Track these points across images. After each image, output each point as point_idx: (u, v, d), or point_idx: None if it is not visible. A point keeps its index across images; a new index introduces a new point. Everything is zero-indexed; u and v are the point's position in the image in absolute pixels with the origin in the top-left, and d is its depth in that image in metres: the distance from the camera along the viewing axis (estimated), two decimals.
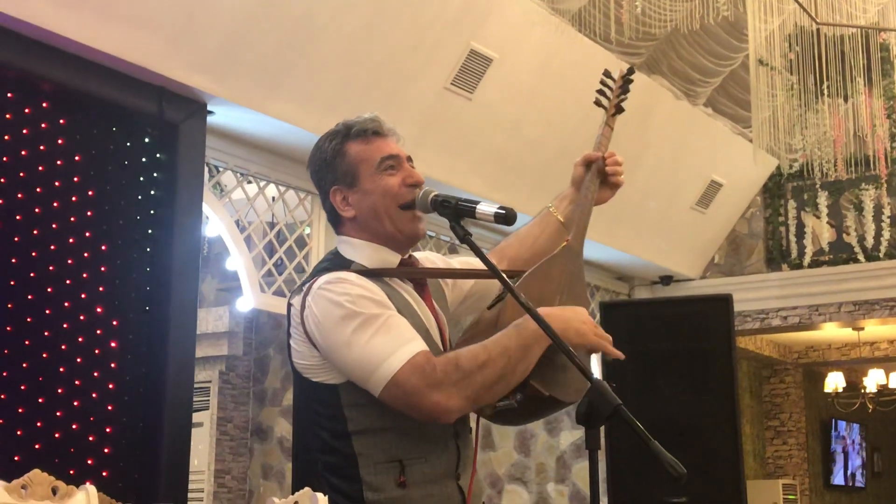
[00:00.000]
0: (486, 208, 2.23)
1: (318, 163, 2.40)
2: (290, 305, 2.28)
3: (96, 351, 5.08)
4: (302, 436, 5.48)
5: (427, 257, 2.51)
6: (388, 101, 6.05)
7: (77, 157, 5.14)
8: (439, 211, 2.31)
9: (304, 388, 2.29)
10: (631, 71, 2.76)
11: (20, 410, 4.77)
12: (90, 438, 5.00)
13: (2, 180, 4.81)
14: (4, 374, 4.75)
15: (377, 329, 2.14)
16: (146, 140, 5.40)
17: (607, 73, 2.76)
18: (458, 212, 2.26)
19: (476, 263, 2.40)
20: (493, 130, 6.79)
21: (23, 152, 4.93)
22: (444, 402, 2.11)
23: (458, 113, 6.50)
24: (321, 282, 2.22)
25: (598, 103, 2.74)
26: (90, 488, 3.46)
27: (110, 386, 5.12)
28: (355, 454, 2.17)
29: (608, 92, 2.73)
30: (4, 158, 4.85)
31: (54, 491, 3.35)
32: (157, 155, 5.42)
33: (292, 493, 4.96)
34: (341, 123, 2.41)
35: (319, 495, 4.25)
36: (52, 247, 4.98)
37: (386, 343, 2.13)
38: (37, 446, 4.77)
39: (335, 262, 2.32)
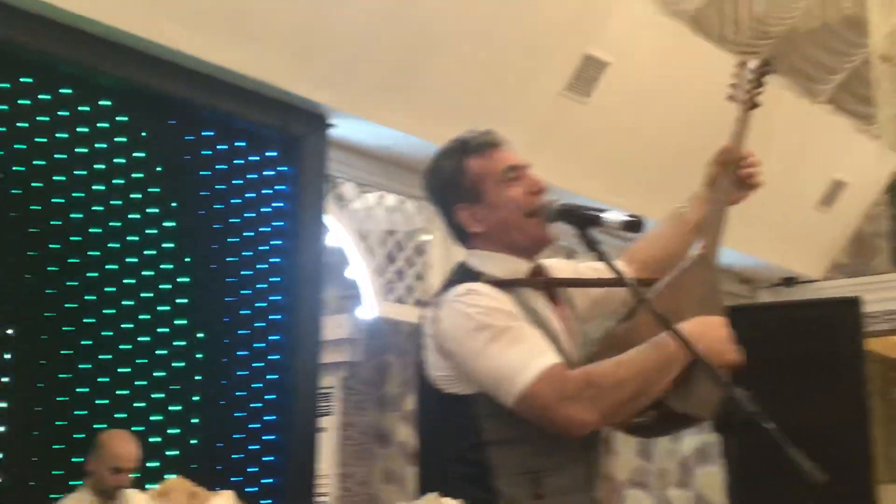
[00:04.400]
0: (613, 216, 2.21)
1: (437, 182, 2.42)
2: (423, 318, 2.33)
3: (225, 360, 5.24)
4: (430, 443, 5.53)
5: (555, 264, 2.52)
6: (504, 108, 6.09)
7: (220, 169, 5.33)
8: (565, 220, 2.31)
9: (436, 398, 2.32)
10: (766, 63, 2.68)
11: (156, 418, 4.95)
12: (221, 445, 5.16)
13: (148, 195, 5.01)
14: (139, 381, 4.94)
15: (509, 340, 2.16)
16: (271, 154, 5.55)
17: (742, 65, 2.69)
18: (583, 220, 2.25)
19: (600, 268, 2.39)
20: (610, 134, 6.77)
21: (157, 168, 5.13)
22: (577, 417, 2.12)
23: (574, 118, 6.50)
24: (453, 294, 2.25)
25: (731, 98, 2.67)
26: (227, 493, 3.58)
27: (240, 394, 5.27)
28: (490, 465, 2.20)
29: (742, 85, 2.66)
30: (143, 175, 5.05)
31: (193, 497, 3.47)
32: (282, 168, 5.57)
33: (416, 499, 5.04)
34: (455, 140, 2.42)
35: (446, 500, 4.31)
36: (187, 259, 5.17)
37: (518, 355, 2.15)
38: (171, 453, 4.94)
39: (465, 274, 2.35)
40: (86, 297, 4.77)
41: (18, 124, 4.63)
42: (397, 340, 9.36)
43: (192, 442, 5.06)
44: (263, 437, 5.31)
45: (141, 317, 4.98)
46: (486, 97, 6.05)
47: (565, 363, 2.18)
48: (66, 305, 4.71)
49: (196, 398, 5.12)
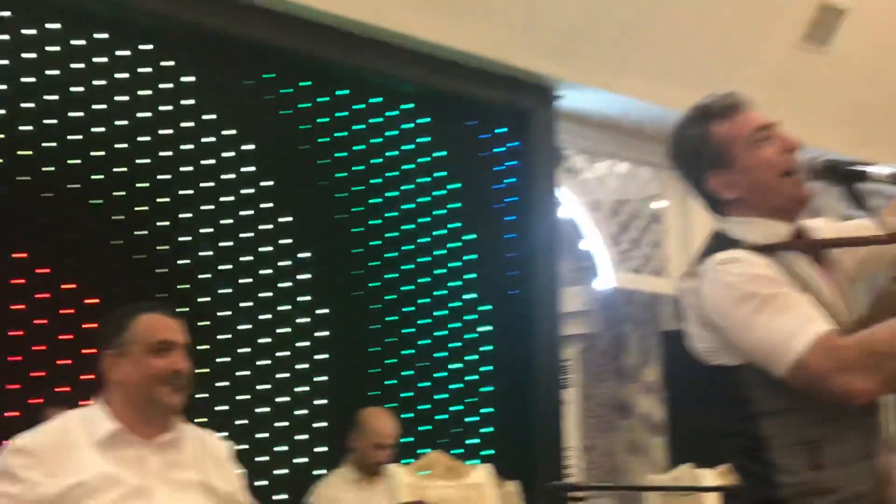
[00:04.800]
0: (880, 170, 2.10)
1: (683, 153, 2.34)
2: (682, 290, 2.27)
3: (471, 335, 5.32)
4: (684, 415, 5.43)
5: (817, 224, 2.40)
6: (738, 64, 5.87)
7: (439, 153, 5.40)
8: (828, 177, 2.20)
9: (700, 370, 2.26)
10: None
11: (407, 395, 5.09)
12: (471, 419, 5.25)
13: (378, 179, 5.16)
14: (388, 360, 5.09)
15: (777, 309, 2.07)
16: (500, 130, 5.58)
17: None
18: (849, 176, 2.14)
19: (866, 226, 2.26)
20: (852, 85, 6.42)
21: (393, 152, 5.26)
22: (854, 386, 2.01)
23: (812, 69, 6.21)
24: (714, 263, 2.18)
25: None
26: (486, 467, 3.63)
27: (486, 368, 5.34)
28: (763, 436, 2.12)
29: None
30: (373, 159, 5.19)
31: (451, 470, 3.53)
32: (511, 144, 5.59)
33: (664, 470, 4.97)
34: (696, 107, 2.33)
35: (701, 471, 4.23)
36: (424, 239, 5.28)
37: (788, 323, 2.06)
38: (424, 428, 5.07)
39: (722, 243, 2.27)
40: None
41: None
42: (634, 311, 9.24)
43: (442, 417, 5.18)
44: (507, 412, 5.36)
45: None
46: (717, 55, 5.86)
47: (837, 329, 2.07)
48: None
49: (441, 375, 5.23)
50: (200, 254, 4.68)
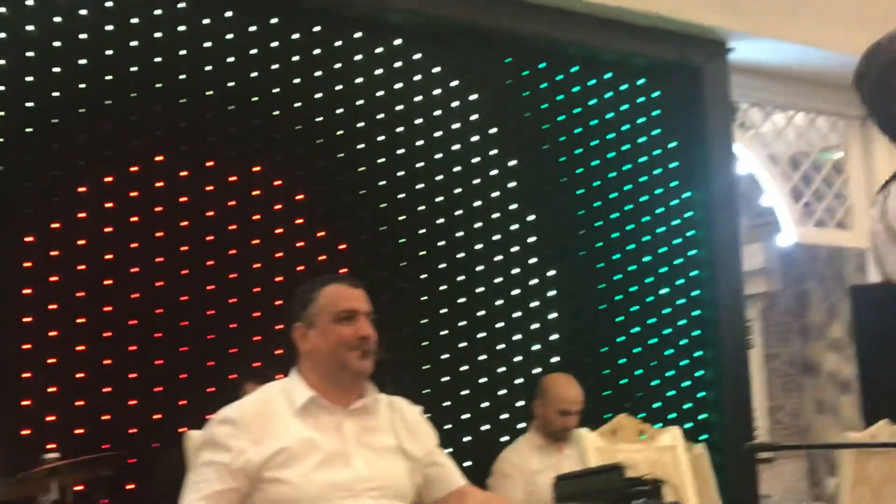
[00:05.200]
0: None
1: (868, 90, 2.24)
2: (871, 221, 2.17)
3: (651, 298, 5.26)
4: (872, 371, 5.24)
5: None
6: None
7: (607, 116, 5.35)
8: None
9: (892, 318, 2.18)
10: None
11: (587, 359, 5.07)
12: (656, 382, 5.20)
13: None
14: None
15: None
16: (671, 88, 5.47)
17: None
18: None
19: None
20: None
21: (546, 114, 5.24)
22: None
23: None
24: None
25: None
26: (674, 429, 3.59)
27: (669, 330, 5.27)
28: None
29: None
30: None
31: (641, 433, 3.51)
32: (684, 100, 5.47)
33: (856, 429, 4.80)
34: (876, 44, 2.23)
35: None
36: (646, 217, 5.29)
37: None
38: (609, 393, 5.05)
39: None
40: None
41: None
42: (817, 266, 8.94)
43: (623, 382, 5.14)
44: (695, 374, 5.28)
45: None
46: None
47: None
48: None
49: (621, 339, 5.19)
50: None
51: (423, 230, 4.82)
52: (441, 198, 4.89)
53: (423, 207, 4.83)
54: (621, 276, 5.23)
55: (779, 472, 8.84)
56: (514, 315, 4.99)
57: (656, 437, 3.50)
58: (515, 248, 5.05)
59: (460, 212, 4.93)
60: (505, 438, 4.69)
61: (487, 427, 4.82)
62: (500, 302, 4.96)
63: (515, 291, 5.02)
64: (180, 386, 4.13)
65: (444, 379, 4.74)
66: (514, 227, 5.05)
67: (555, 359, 5.02)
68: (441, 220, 4.88)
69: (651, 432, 3.49)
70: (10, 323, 3.94)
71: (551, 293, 5.09)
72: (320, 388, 2.50)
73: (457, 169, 4.95)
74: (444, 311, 4.79)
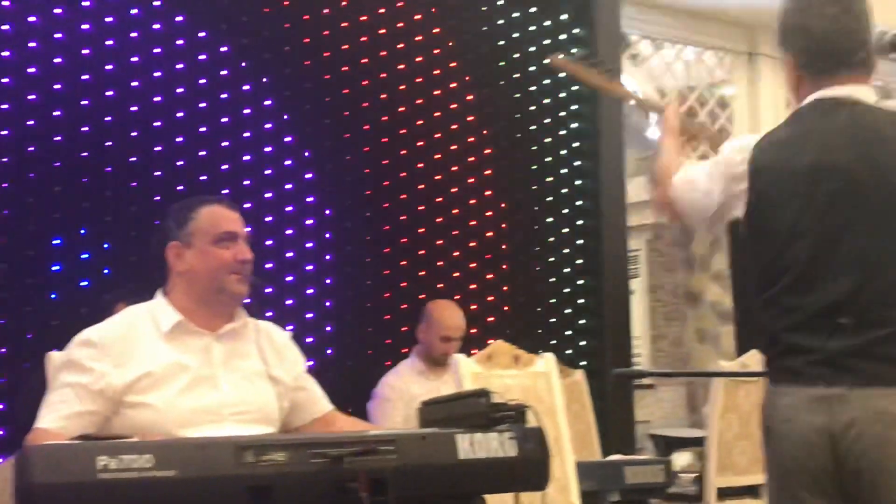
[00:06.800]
0: None
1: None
2: None
3: (535, 227, 5.31)
4: (747, 302, 5.39)
5: None
6: None
7: (499, 43, 5.32)
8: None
9: None
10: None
11: (472, 287, 5.11)
12: (537, 309, 5.26)
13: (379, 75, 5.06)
14: (456, 253, 5.11)
15: None
16: (563, 17, 5.46)
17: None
18: None
19: None
20: None
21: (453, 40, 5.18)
22: None
23: None
24: None
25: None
26: (548, 356, 3.64)
27: (552, 259, 5.33)
28: None
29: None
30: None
31: (516, 360, 3.55)
32: (575, 31, 5.47)
33: (734, 358, 4.95)
34: None
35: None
36: (485, 132, 5.24)
37: None
38: (491, 319, 5.10)
39: None
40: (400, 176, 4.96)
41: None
42: None
43: (506, 308, 5.20)
44: (577, 302, 5.37)
45: (452, 190, 5.11)
46: None
47: None
48: (385, 183, 4.93)
49: (505, 266, 5.24)
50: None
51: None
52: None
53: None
54: None
55: (659, 398, 9.08)
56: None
57: (532, 363, 3.56)
58: None
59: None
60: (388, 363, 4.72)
61: (371, 352, 4.83)
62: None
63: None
64: (51, 306, 4.04)
65: None
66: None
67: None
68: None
69: (526, 358, 3.55)
70: None
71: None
72: (190, 310, 2.47)
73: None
74: None
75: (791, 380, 2.18)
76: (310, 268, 4.79)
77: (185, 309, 2.47)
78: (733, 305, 6.28)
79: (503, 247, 5.26)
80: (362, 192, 4.92)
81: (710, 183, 2.32)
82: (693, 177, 2.37)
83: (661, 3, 5.94)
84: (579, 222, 5.42)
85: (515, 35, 5.35)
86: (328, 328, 4.80)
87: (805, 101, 2.27)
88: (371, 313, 4.89)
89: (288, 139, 4.79)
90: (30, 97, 4.13)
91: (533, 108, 5.37)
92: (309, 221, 4.82)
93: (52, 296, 4.12)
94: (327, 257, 4.85)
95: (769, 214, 2.22)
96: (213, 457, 1.85)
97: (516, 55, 5.34)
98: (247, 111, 4.70)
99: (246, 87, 4.71)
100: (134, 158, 4.35)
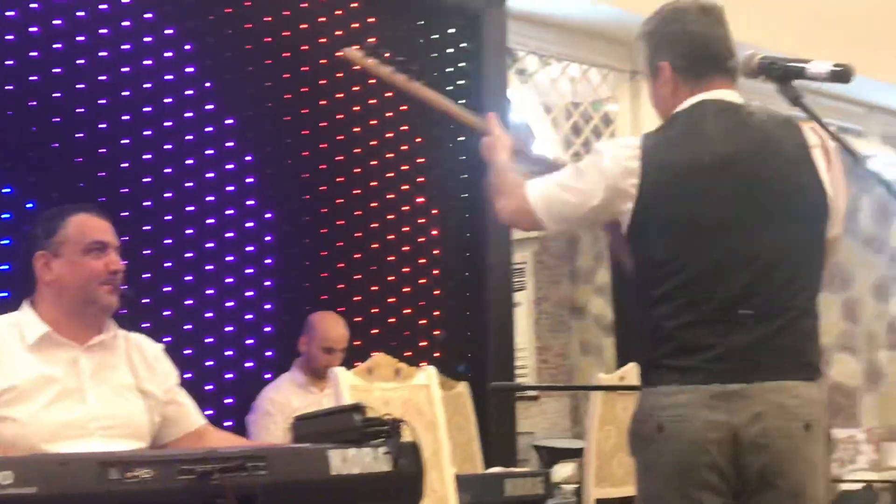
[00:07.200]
0: (818, 67, 2.14)
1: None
2: None
3: (420, 239, 5.32)
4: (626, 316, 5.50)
5: None
6: None
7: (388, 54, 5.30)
8: (766, 74, 2.23)
9: None
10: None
11: (356, 299, 5.09)
12: (421, 322, 5.27)
13: (318, 81, 5.07)
14: (340, 265, 5.08)
15: None
16: (450, 31, 5.49)
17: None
18: (786, 73, 2.17)
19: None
20: None
21: (336, 54, 5.15)
22: None
23: None
24: None
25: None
26: (430, 369, 3.64)
27: (435, 272, 5.35)
28: None
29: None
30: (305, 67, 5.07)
31: (397, 372, 3.54)
32: (462, 45, 5.51)
33: (614, 370, 5.03)
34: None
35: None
36: (373, 142, 5.22)
37: None
38: (374, 332, 5.08)
39: None
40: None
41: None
42: None
43: (391, 320, 5.19)
44: (464, 314, 5.39)
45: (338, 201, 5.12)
46: None
47: None
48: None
49: (392, 278, 5.23)
50: (144, 157, 4.61)
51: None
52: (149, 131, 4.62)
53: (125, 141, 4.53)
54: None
55: (543, 409, 9.18)
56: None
57: (412, 376, 3.55)
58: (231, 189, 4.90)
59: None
60: (268, 376, 4.67)
61: (251, 364, 4.78)
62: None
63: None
64: None
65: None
66: (230, 166, 4.88)
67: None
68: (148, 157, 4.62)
69: (407, 371, 3.54)
70: None
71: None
72: (57, 321, 2.40)
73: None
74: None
75: (681, 379, 2.17)
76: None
77: (52, 320, 2.40)
78: (614, 318, 6.40)
79: (390, 258, 5.26)
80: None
81: (584, 183, 2.32)
82: (557, 181, 2.37)
83: (548, 20, 6.02)
84: (466, 234, 5.45)
85: (403, 46, 5.35)
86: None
87: (686, 104, 2.31)
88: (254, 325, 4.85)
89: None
90: None
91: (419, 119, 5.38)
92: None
93: None
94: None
95: (665, 209, 2.23)
96: (75, 473, 1.80)
97: (402, 68, 5.33)
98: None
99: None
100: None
